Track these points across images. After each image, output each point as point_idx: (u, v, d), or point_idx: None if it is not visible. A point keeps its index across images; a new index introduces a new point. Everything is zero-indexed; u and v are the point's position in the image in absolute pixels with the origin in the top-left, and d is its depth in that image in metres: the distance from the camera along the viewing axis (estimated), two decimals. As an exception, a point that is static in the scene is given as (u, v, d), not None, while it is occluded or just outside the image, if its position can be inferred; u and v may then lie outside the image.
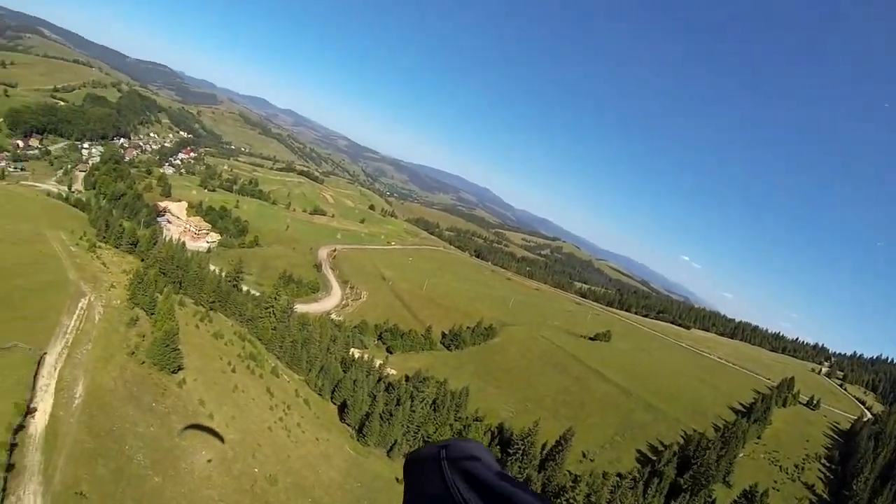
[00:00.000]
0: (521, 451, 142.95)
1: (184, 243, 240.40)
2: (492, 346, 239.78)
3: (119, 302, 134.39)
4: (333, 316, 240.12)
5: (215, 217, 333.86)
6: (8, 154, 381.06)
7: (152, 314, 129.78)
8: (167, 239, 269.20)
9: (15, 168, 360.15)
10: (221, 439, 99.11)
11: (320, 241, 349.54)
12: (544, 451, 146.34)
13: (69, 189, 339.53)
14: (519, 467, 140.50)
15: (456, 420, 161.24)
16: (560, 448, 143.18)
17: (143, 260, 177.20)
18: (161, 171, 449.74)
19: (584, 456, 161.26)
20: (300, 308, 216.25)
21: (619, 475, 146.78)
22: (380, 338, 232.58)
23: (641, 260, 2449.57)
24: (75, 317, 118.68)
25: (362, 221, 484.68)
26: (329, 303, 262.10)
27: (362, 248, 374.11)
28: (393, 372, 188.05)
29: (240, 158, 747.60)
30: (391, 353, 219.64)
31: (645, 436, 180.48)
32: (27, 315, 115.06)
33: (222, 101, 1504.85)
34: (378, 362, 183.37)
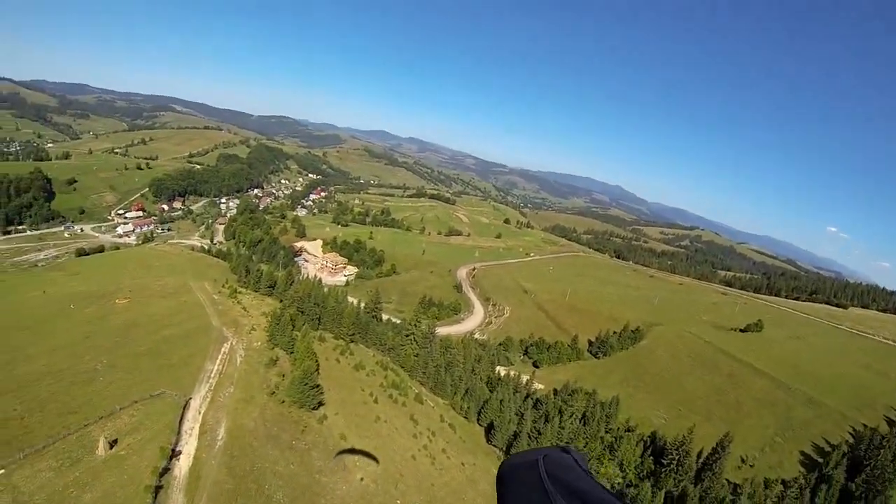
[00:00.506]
0: (675, 462, 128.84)
1: (320, 280, 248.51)
2: (639, 350, 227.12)
3: (259, 344, 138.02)
4: (477, 335, 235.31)
5: (350, 251, 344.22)
6: (155, 218, 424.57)
7: (291, 353, 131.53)
8: (304, 277, 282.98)
9: (162, 229, 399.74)
10: (376, 460, 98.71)
11: (458, 262, 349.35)
12: (700, 460, 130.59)
13: (211, 241, 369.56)
14: (674, 480, 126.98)
15: (606, 432, 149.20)
16: (717, 455, 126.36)
17: (281, 301, 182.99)
18: (294, 213, 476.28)
19: (742, 462, 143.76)
20: (442, 331, 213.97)
21: (782, 482, 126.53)
22: (525, 352, 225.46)
23: (785, 238, 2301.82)
24: (218, 361, 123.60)
25: (499, 236, 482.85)
26: (472, 322, 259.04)
27: (501, 264, 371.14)
28: (540, 387, 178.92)
29: (369, 191, 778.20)
30: (538, 367, 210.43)
31: (808, 435, 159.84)
32: (174, 362, 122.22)
33: (346, 140, 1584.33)
34: (525, 378, 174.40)
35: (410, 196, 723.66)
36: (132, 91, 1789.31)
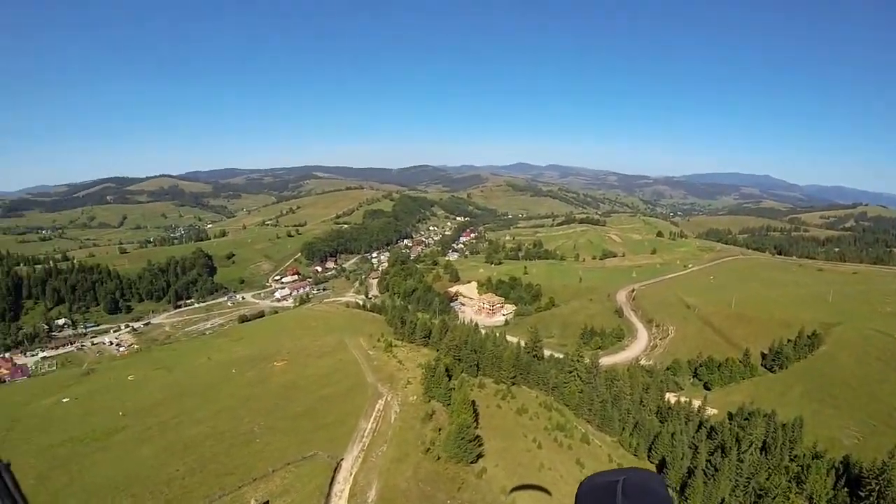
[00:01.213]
0: (875, 494, 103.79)
1: (476, 324, 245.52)
2: (819, 357, 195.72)
3: (415, 398, 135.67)
4: (643, 361, 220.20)
5: (506, 289, 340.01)
6: (310, 279, 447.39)
7: (448, 405, 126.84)
8: (461, 322, 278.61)
9: (318, 290, 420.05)
10: (549, 492, 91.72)
11: (617, 285, 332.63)
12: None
13: (366, 296, 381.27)
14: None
15: (791, 460, 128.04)
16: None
17: (437, 350, 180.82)
18: (446, 258, 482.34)
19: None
20: (607, 361, 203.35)
21: None
22: (695, 374, 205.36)
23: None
24: (372, 419, 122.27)
25: (654, 252, 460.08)
26: (636, 348, 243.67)
27: (660, 280, 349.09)
28: (713, 412, 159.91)
29: (519, 225, 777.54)
30: (709, 389, 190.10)
31: None
32: (329, 422, 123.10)
33: (487, 178, 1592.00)
34: (696, 404, 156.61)
35: (560, 224, 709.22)
36: (276, 167, 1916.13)
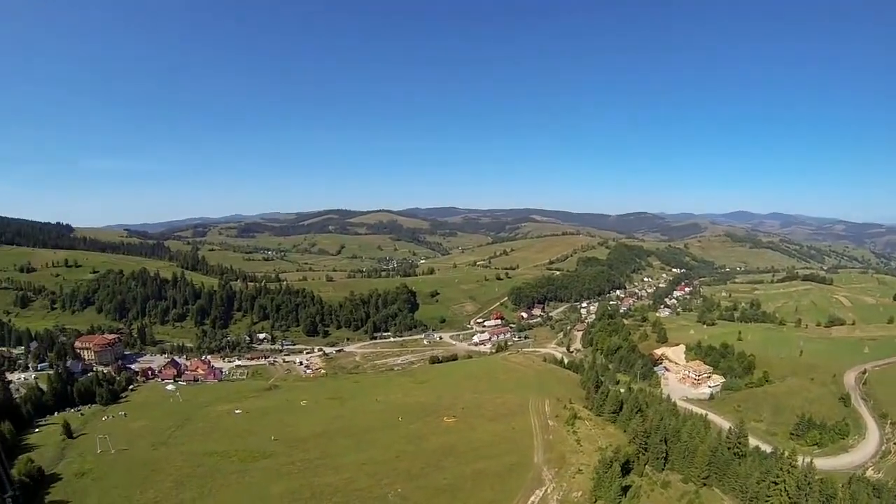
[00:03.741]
0: None
1: (674, 402, 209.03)
2: None
3: (580, 494, 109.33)
4: (870, 472, 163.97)
5: (716, 357, 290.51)
6: (513, 325, 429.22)
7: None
8: (661, 391, 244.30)
9: (519, 337, 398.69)
10: None
11: (844, 362, 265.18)
12: None
13: (567, 349, 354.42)
14: None
15: None
16: None
17: (624, 430, 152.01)
18: (656, 314, 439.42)
19: None
20: (822, 463, 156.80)
21: None
22: None
23: None
24: None
25: (891, 321, 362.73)
26: (863, 451, 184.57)
27: None
28: None
29: (736, 280, 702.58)
30: None
31: None
32: None
33: (706, 228, 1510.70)
34: None
35: (780, 281, 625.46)
36: (495, 208, 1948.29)
